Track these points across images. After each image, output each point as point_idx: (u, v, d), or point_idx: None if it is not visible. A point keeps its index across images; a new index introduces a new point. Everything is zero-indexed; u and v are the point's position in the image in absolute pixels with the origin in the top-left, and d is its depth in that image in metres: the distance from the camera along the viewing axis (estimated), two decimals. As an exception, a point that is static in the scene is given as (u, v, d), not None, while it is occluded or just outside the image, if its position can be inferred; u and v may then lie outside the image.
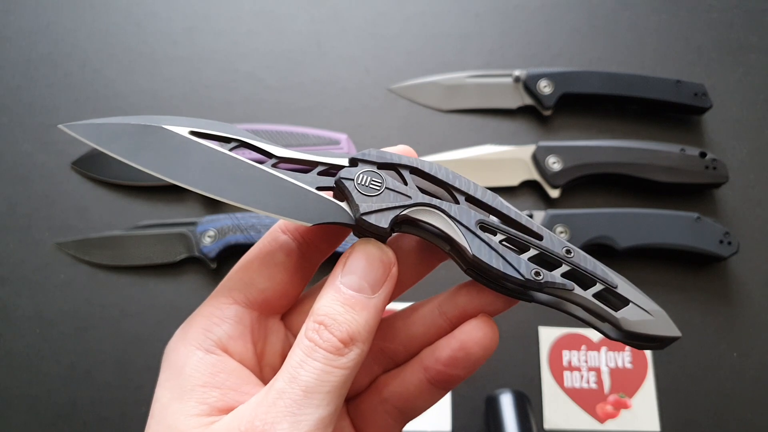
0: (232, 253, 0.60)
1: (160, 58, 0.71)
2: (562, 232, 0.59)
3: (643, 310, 0.25)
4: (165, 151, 0.26)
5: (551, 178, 0.63)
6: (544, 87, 0.67)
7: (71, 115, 0.68)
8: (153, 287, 0.61)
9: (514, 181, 0.65)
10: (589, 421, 0.56)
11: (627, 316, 0.25)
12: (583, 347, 0.59)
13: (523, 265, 0.25)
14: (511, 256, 0.26)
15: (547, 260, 0.26)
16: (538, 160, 0.64)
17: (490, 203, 0.27)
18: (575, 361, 0.58)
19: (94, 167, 0.65)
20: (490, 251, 0.25)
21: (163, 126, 0.26)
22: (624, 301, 0.26)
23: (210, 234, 0.59)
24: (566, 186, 0.64)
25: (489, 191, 0.27)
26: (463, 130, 0.68)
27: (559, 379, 0.58)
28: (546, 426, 0.56)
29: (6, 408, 0.56)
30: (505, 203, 0.27)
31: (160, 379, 0.26)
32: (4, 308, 0.60)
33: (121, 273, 0.61)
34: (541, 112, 0.68)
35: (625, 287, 0.26)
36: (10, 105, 0.68)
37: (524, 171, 0.64)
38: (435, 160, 0.65)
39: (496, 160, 0.65)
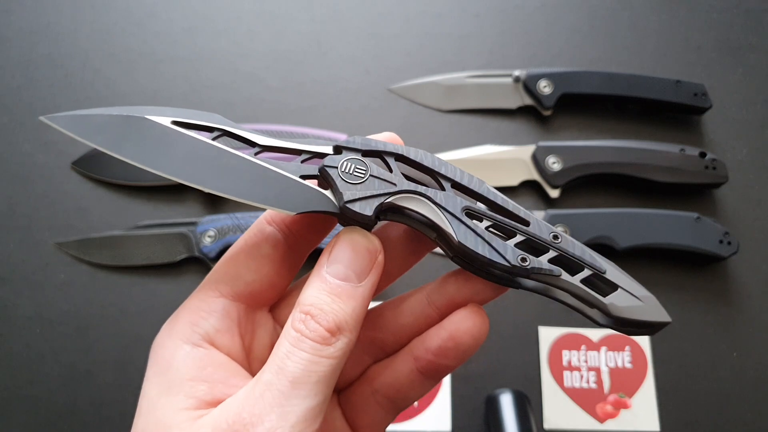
0: (232, 253, 0.60)
1: (160, 58, 0.71)
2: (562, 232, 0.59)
3: (632, 296, 0.25)
4: (148, 142, 0.26)
5: (551, 178, 0.63)
6: (544, 87, 0.67)
7: (71, 115, 0.68)
8: (153, 287, 0.61)
9: (514, 181, 0.65)
10: (588, 421, 0.56)
11: (615, 301, 0.25)
12: (583, 347, 0.59)
13: (509, 251, 0.25)
14: (497, 242, 0.25)
15: (534, 246, 0.26)
16: (537, 160, 0.64)
17: (476, 189, 0.27)
18: (575, 361, 0.58)
19: (94, 167, 0.65)
20: (476, 238, 0.25)
21: (146, 116, 0.26)
22: (613, 287, 0.25)
23: (210, 234, 0.59)
24: (566, 186, 0.64)
25: (476, 177, 0.27)
26: (463, 130, 0.68)
27: (558, 379, 0.58)
28: (546, 426, 0.56)
29: (6, 408, 0.56)
30: (492, 189, 0.27)
31: (147, 374, 0.26)
32: (4, 308, 0.60)
33: (121, 273, 0.61)
34: (541, 112, 0.68)
35: (614, 273, 0.26)
36: (10, 105, 0.68)
37: (524, 171, 0.64)
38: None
39: (496, 160, 0.65)
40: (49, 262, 0.61)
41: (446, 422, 0.56)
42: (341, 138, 0.64)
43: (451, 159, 0.64)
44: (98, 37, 0.72)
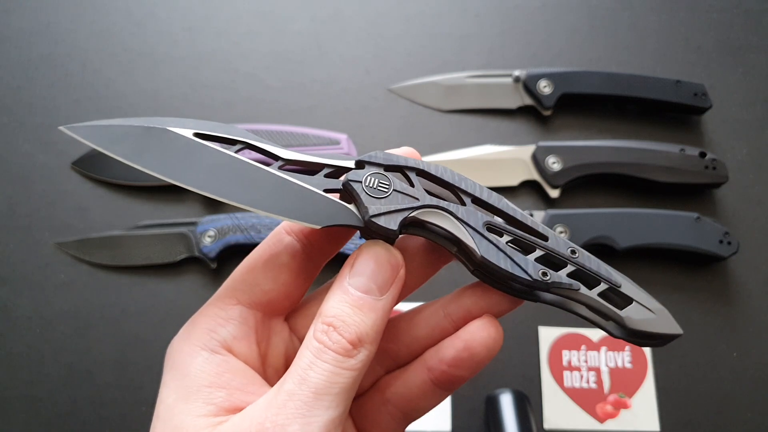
0: (232, 253, 0.60)
1: (160, 58, 0.71)
2: (562, 232, 0.59)
3: (646, 309, 0.26)
4: (170, 154, 0.25)
5: (551, 178, 0.63)
6: (544, 87, 0.67)
7: (71, 115, 0.68)
8: (153, 287, 0.61)
9: (514, 181, 0.64)
10: (588, 421, 0.56)
11: (631, 314, 0.26)
12: (583, 347, 0.59)
13: (530, 266, 0.26)
14: (518, 256, 0.26)
15: (552, 261, 0.27)
16: (537, 160, 0.64)
17: (495, 205, 0.27)
18: (575, 361, 0.58)
19: (94, 167, 0.65)
20: (497, 252, 0.26)
21: (168, 128, 0.26)
22: (627, 300, 0.26)
23: (210, 234, 0.59)
24: (566, 186, 0.64)
25: (494, 193, 0.27)
26: (463, 130, 0.68)
27: (558, 379, 0.58)
28: (546, 426, 0.56)
29: (6, 408, 0.56)
30: (511, 204, 0.27)
31: (164, 380, 0.26)
32: (4, 308, 0.60)
33: (121, 273, 0.61)
34: (541, 112, 0.68)
35: (628, 286, 0.26)
36: (10, 105, 0.68)
37: (524, 171, 0.64)
38: (435, 160, 0.65)
39: (496, 160, 0.65)
40: (49, 262, 0.61)
41: (446, 422, 0.56)
42: (341, 137, 0.64)
43: (451, 159, 0.64)
44: (98, 37, 0.72)
